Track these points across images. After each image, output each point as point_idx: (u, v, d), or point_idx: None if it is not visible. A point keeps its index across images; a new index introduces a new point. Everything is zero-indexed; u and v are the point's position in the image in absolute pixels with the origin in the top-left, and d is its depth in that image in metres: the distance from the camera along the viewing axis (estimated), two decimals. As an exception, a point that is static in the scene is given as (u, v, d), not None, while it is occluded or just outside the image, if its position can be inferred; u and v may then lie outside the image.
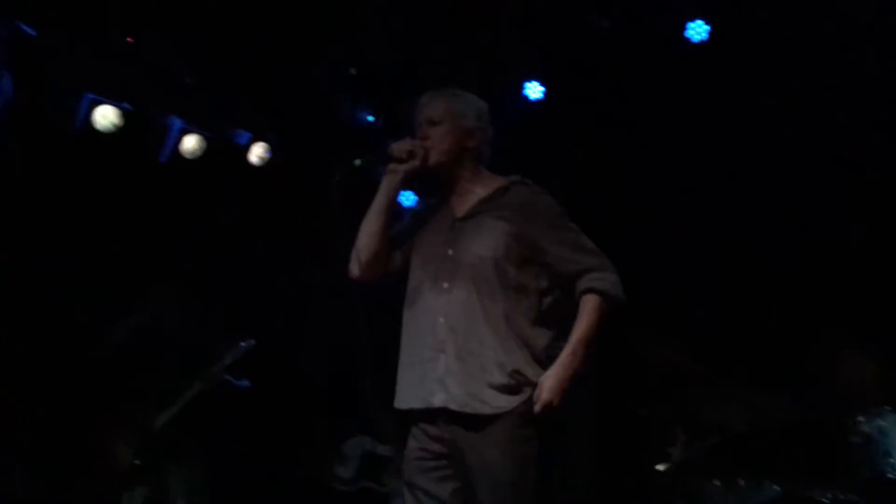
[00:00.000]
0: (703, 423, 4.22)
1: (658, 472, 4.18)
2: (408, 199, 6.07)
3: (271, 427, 5.40)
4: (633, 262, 5.08)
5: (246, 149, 5.43)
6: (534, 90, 5.65)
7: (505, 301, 2.65)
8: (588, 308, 2.68)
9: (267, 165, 5.39)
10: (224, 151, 5.40)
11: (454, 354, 2.61)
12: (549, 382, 2.59)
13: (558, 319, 2.76)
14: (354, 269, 2.83)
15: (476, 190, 2.84)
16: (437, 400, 2.61)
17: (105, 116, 4.88)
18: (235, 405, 4.71)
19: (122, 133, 4.94)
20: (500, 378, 2.58)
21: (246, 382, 4.63)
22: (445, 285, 2.69)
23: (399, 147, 2.80)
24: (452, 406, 2.58)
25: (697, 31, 5.01)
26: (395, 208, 2.87)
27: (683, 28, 5.01)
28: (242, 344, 4.52)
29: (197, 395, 4.46)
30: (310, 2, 4.75)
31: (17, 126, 4.41)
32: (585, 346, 2.65)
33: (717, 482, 4.24)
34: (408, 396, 2.72)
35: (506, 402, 2.57)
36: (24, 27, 4.25)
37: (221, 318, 4.81)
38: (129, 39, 4.87)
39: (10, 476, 4.67)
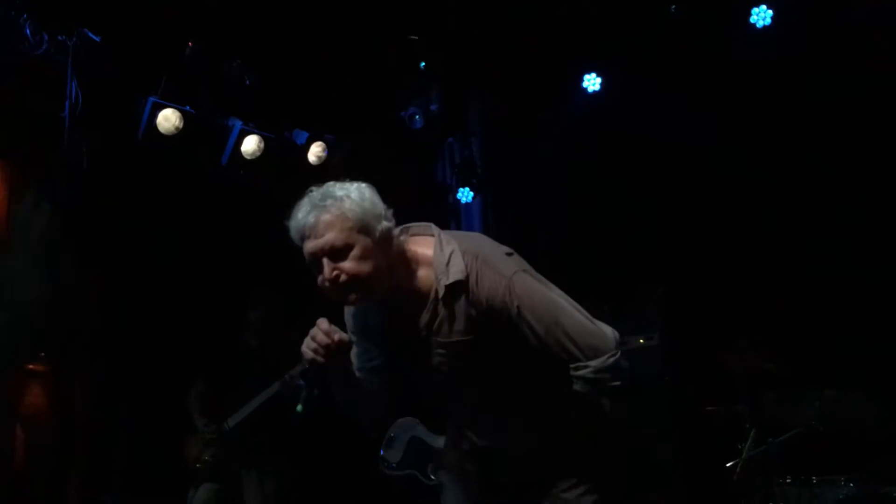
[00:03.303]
0: (777, 421, 4.13)
1: (729, 468, 4.10)
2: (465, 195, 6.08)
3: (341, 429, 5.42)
4: (709, 262, 5.12)
5: (304, 148, 5.47)
6: (592, 82, 5.62)
7: (511, 408, 2.35)
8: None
9: (324, 164, 5.42)
10: (283, 151, 5.45)
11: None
12: None
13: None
14: (369, 432, 2.57)
15: (417, 290, 2.28)
16: None
17: (167, 119, 4.95)
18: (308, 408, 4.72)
19: (183, 135, 5.02)
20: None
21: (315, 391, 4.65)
22: (465, 406, 2.42)
23: (319, 354, 2.19)
24: None
25: (761, 16, 4.94)
26: (354, 380, 2.38)
27: (748, 14, 4.93)
28: None
29: (271, 399, 4.49)
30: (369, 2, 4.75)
31: (83, 130, 4.50)
32: None
33: (788, 479, 4.15)
34: None
35: None
36: (89, 33, 4.32)
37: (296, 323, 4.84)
38: (189, 43, 4.93)
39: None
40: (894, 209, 4.68)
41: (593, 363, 2.18)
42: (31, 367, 4.90)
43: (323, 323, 2.19)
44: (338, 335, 2.18)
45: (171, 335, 5.28)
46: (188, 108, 5.03)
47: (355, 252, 2.17)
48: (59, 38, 4.24)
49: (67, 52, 4.22)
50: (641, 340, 4.98)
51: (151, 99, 4.91)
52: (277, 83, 5.38)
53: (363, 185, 2.26)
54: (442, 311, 2.25)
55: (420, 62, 5.50)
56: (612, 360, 2.19)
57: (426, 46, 5.37)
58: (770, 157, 5.07)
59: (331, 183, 2.25)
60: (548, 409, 2.32)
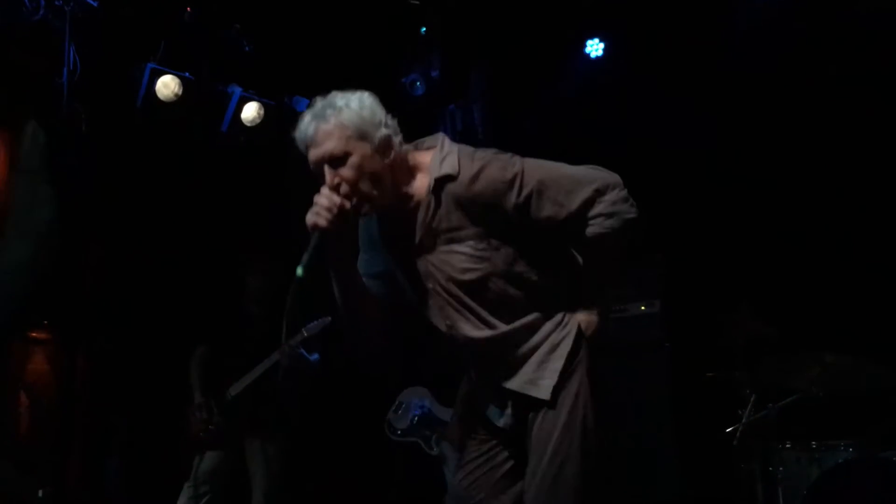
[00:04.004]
0: (777, 386, 4.14)
1: (728, 434, 4.12)
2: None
3: (344, 397, 5.47)
4: (709, 228, 5.10)
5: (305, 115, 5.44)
6: (595, 48, 5.58)
7: (512, 307, 2.36)
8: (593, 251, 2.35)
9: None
10: (283, 118, 5.42)
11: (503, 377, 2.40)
12: None
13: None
14: (363, 347, 2.50)
15: (417, 197, 2.34)
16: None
17: (167, 86, 4.92)
18: (310, 377, 4.74)
19: (182, 102, 4.99)
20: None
21: (316, 356, 4.67)
22: (448, 322, 2.39)
23: (322, 216, 2.20)
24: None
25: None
26: (356, 273, 2.40)
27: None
28: (318, 320, 4.53)
29: (271, 368, 4.51)
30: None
31: (81, 97, 4.48)
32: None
33: (788, 444, 4.17)
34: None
35: None
36: (87, -2, 4.28)
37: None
38: (187, 8, 4.89)
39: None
40: (893, 174, 4.66)
41: (607, 196, 2.28)
42: (34, 334, 4.92)
43: (326, 189, 2.24)
44: (339, 199, 2.22)
45: (173, 302, 5.30)
46: (187, 74, 5.00)
47: (353, 160, 2.24)
48: (57, 3, 4.19)
49: (65, 17, 4.18)
50: (643, 308, 4.98)
51: (150, 65, 4.87)
52: (277, 49, 5.34)
53: (365, 93, 2.32)
54: (434, 205, 2.30)
55: (421, 28, 5.44)
56: (623, 192, 2.30)
57: (427, 12, 5.31)
58: (773, 122, 5.03)
59: (334, 92, 2.32)
60: (538, 306, 2.35)
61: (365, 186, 2.25)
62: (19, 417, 4.73)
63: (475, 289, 2.32)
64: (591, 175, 2.32)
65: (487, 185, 2.26)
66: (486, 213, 2.27)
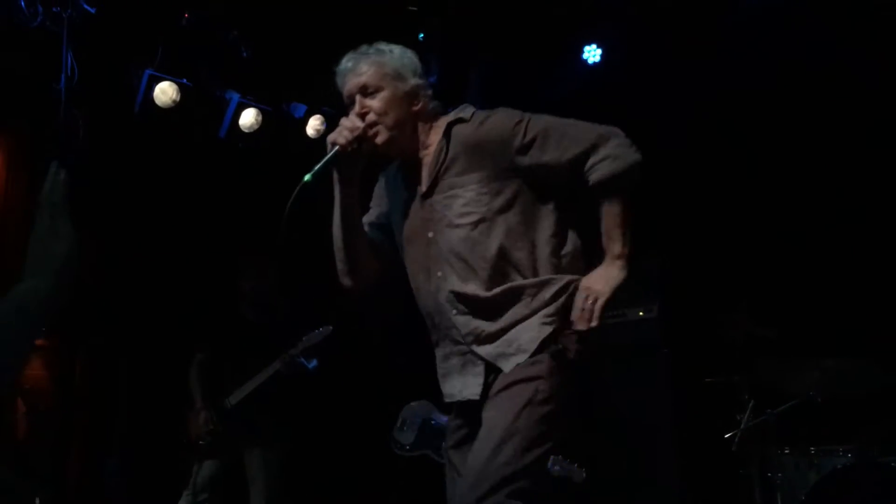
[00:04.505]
0: (775, 391, 4.14)
1: (727, 439, 4.12)
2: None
3: (343, 405, 5.46)
4: (708, 230, 5.10)
5: (303, 122, 5.44)
6: (592, 54, 5.58)
7: (505, 263, 2.35)
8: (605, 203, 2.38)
9: (323, 137, 5.40)
10: (281, 125, 5.42)
11: (478, 340, 2.36)
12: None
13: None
14: (346, 282, 2.54)
15: (433, 147, 2.46)
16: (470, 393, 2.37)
17: (164, 92, 4.93)
18: (309, 385, 4.73)
19: (180, 108, 4.99)
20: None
21: (315, 363, 4.66)
22: (440, 273, 2.39)
23: (342, 135, 2.35)
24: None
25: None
26: (359, 208, 2.49)
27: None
28: (320, 329, 4.52)
29: (272, 376, 4.50)
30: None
31: (79, 103, 4.47)
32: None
33: (787, 450, 4.17)
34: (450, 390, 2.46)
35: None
36: (84, 4, 4.28)
37: (297, 298, 4.82)
38: (185, 15, 4.89)
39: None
40: (892, 176, 4.66)
41: (612, 141, 2.38)
42: (30, 341, 4.89)
43: (353, 114, 2.41)
44: (362, 124, 2.39)
45: (172, 306, 5.29)
46: (185, 80, 5.00)
47: (384, 94, 2.43)
48: (54, 9, 4.20)
49: (62, 23, 4.18)
50: (641, 313, 4.98)
51: (148, 72, 4.88)
52: (275, 55, 5.34)
53: (408, 49, 2.53)
54: (445, 148, 2.42)
55: (419, 34, 5.45)
56: (626, 139, 2.40)
57: (425, 17, 5.32)
58: (771, 125, 5.03)
59: (380, 42, 2.52)
60: (533, 272, 2.35)
61: (388, 122, 2.42)
62: (16, 423, 4.71)
63: (471, 235, 2.35)
64: (595, 126, 2.43)
65: (494, 127, 2.39)
66: (491, 156, 2.37)
